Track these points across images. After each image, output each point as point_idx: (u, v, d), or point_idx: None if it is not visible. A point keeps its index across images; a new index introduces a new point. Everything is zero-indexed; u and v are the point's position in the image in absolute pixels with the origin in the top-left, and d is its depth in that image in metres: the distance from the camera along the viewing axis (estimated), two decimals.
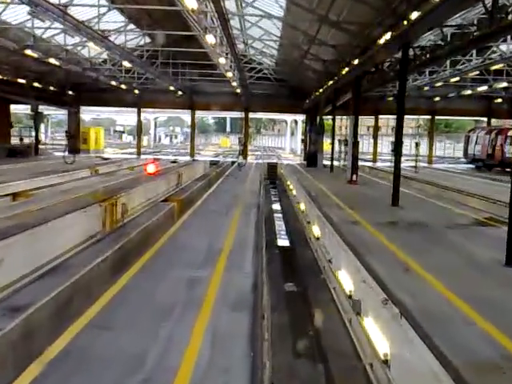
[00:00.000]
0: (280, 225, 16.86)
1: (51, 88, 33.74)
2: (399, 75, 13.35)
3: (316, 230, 12.26)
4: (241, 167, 27.93)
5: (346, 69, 20.33)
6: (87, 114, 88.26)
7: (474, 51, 22.94)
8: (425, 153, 66.48)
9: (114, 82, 31.56)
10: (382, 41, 13.91)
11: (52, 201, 11.97)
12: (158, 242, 9.10)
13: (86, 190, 16.01)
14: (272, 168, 35.46)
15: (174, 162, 31.84)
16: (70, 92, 36.75)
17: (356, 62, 18.14)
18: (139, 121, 39.96)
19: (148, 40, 30.41)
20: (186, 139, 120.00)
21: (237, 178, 22.64)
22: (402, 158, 40.02)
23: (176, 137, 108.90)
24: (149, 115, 72.25)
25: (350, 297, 7.40)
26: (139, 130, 40.95)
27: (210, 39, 18.96)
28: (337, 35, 19.52)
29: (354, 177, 20.48)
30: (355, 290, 7.26)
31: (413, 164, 40.81)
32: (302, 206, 16.80)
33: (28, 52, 21.92)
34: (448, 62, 25.22)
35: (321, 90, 27.73)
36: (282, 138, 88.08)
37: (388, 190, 19.31)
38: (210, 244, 8.77)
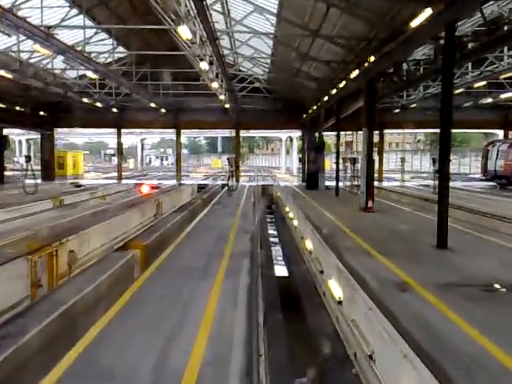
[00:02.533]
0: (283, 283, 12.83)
1: (18, 108, 29.84)
2: (443, 67, 9.57)
3: (338, 292, 8.36)
4: (232, 191, 24.05)
5: (356, 71, 16.65)
6: (80, 137, 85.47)
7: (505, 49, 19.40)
8: (427, 170, 63.24)
9: (86, 100, 27.73)
10: (415, 22, 10.13)
11: None
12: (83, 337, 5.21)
13: (26, 233, 12.16)
14: (267, 191, 31.79)
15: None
16: (42, 112, 32.92)
17: (372, 59, 14.44)
18: (119, 143, 36.09)
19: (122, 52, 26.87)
20: None
21: (226, 206, 18.71)
22: (407, 176, 36.48)
23: (167, 158, 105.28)
24: (135, 137, 68.57)
25: None
26: (119, 153, 37.04)
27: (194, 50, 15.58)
28: (348, 23, 15.74)
29: (370, 203, 16.65)
30: None
31: (423, 182, 37.39)
32: (309, 245, 12.94)
33: None
34: (470, 64, 21.61)
35: (323, 100, 24.02)
36: (277, 157, 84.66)
37: (414, 219, 15.70)
38: (162, 360, 4.81)
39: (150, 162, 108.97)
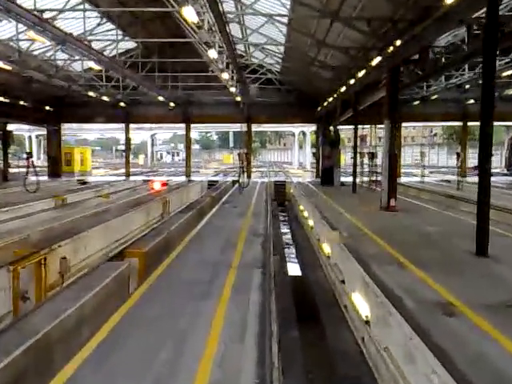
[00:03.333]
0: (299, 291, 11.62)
1: (22, 103, 28.83)
2: (485, 48, 8.24)
3: (364, 309, 7.11)
4: (242, 189, 22.81)
5: (378, 58, 15.29)
6: (92, 133, 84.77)
7: None
8: (444, 164, 61.42)
9: (91, 93, 26.63)
10: None
11: None
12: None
13: (16, 237, 11.05)
14: (280, 188, 30.52)
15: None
16: (48, 107, 31.93)
17: (398, 43, 13.06)
18: (127, 138, 34.98)
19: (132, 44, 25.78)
20: None
21: (236, 205, 17.47)
22: (426, 171, 34.84)
23: (178, 154, 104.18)
24: (145, 132, 67.54)
25: None
26: (127, 148, 35.96)
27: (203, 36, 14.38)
28: (370, 3, 14.34)
29: (393, 201, 15.33)
30: None
31: (443, 178, 35.89)
32: (327, 248, 11.71)
33: None
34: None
35: (340, 92, 22.65)
36: (289, 152, 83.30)
37: (443, 219, 14.30)
38: None
39: (161, 157, 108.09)
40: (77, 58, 21.10)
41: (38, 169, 21.20)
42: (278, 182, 31.60)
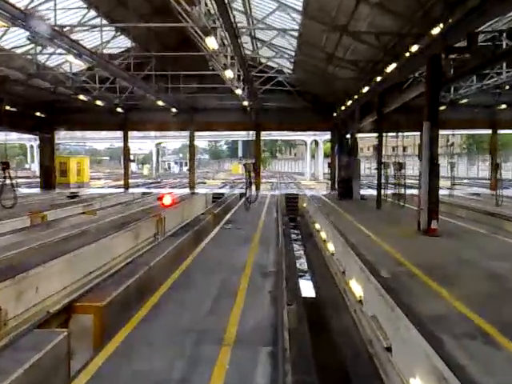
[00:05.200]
0: None
1: (7, 108, 26.19)
2: None
3: None
4: (249, 204, 19.87)
5: (415, 47, 12.40)
6: (102, 142, 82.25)
7: None
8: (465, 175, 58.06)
9: (82, 97, 23.95)
10: None
11: None
12: None
13: None
14: (291, 201, 27.67)
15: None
16: (38, 113, 29.32)
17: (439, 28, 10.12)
18: (126, 147, 32.19)
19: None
20: (197, 166, 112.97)
21: (241, 226, 14.52)
22: (447, 183, 31.50)
23: (186, 164, 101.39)
24: (150, 141, 64.96)
25: None
26: (126, 158, 33.16)
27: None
28: None
29: (434, 223, 12.34)
30: None
31: (469, 190, 32.78)
32: (358, 290, 8.78)
33: None
34: None
35: (362, 93, 19.76)
36: (301, 163, 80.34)
37: (504, 248, 11.05)
38: None
39: (169, 167, 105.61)
40: (61, 51, 18.34)
41: (29, 180, 18.54)
42: (289, 195, 28.74)
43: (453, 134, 69.45)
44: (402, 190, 19.64)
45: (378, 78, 16.52)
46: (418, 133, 28.42)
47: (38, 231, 14.30)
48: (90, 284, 8.58)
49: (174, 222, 18.31)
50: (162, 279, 7.93)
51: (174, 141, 67.97)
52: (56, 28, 13.53)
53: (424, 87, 13.16)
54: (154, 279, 8.24)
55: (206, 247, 10.97)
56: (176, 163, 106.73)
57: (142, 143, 71.03)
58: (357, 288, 9.15)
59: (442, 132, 48.24)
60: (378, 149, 19.19)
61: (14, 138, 63.59)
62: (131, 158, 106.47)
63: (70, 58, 14.81)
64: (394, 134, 20.33)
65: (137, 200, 25.19)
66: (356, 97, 21.82)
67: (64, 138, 68.74)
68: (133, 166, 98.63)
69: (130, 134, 33.56)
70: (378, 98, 18.98)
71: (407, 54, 12.93)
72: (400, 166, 18.97)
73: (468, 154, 64.80)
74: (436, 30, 10.99)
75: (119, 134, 51.19)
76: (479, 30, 11.85)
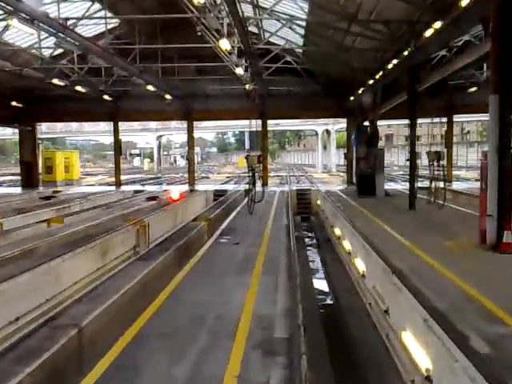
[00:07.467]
0: None
1: None
2: None
3: None
4: (254, 204, 16.34)
5: None
6: (108, 136, 78.01)
7: None
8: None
9: (56, 81, 20.48)
10: None
11: None
12: None
13: None
14: (303, 198, 24.22)
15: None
16: (15, 103, 25.92)
17: None
18: (117, 140, 28.68)
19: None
20: (204, 160, 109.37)
21: (240, 240, 10.97)
22: (466, 173, 27.41)
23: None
24: (151, 134, 61.42)
25: None
26: (117, 151, 29.63)
27: None
28: None
29: (508, 234, 8.76)
30: None
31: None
32: (413, 348, 5.30)
33: None
34: None
35: (387, 68, 16.11)
36: (311, 154, 76.51)
37: None
38: None
39: (174, 161, 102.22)
40: (31, 31, 14.97)
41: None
42: (300, 191, 25.22)
43: (467, 121, 65.36)
44: (440, 185, 16.06)
45: (412, 45, 12.83)
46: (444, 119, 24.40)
47: None
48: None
49: (162, 230, 14.86)
50: (107, 345, 4.43)
51: (178, 133, 64.11)
52: None
53: (486, 47, 9.52)
54: (95, 342, 4.74)
55: (183, 282, 7.41)
56: (182, 157, 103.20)
57: (142, 136, 67.44)
58: (409, 338, 5.72)
59: (476, 118, 43.65)
60: (411, 135, 15.53)
61: (9, 132, 60.69)
62: (137, 152, 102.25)
63: (14, 22, 11.31)
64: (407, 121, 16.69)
65: (124, 200, 21.77)
66: (379, 75, 18.17)
67: (67, 132, 65.69)
68: (136, 161, 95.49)
69: (130, 126, 30.26)
70: (408, 74, 15.33)
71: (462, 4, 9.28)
72: (438, 156, 15.34)
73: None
74: None
75: (125, 126, 47.99)
76: None
